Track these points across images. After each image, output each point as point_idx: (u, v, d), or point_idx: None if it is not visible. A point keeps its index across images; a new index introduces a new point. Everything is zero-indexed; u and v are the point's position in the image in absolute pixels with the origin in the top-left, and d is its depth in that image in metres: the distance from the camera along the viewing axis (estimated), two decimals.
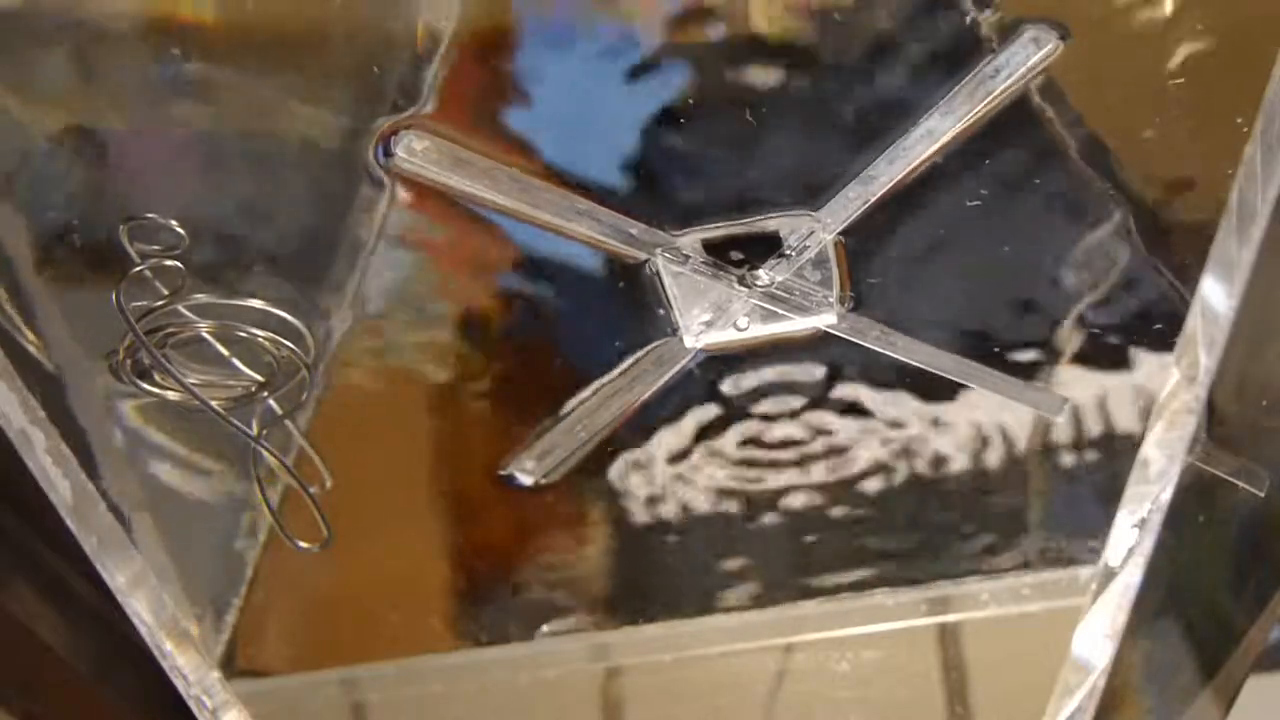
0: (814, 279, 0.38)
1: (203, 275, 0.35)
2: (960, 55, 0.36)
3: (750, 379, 0.38)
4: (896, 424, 0.39)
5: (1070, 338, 0.38)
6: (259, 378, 0.35)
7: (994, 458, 0.39)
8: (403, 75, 0.36)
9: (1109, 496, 0.37)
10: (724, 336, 0.38)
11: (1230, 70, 0.36)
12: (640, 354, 0.38)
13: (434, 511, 0.39)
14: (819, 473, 0.39)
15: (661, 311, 0.38)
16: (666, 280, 0.37)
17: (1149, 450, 0.37)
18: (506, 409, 0.38)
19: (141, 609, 0.36)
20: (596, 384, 0.38)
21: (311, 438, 0.37)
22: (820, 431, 0.39)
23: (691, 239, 0.37)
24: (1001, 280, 0.38)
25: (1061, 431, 0.39)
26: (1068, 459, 0.39)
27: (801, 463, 0.39)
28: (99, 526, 0.35)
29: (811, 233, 0.37)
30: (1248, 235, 0.35)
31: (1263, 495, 0.39)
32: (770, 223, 0.37)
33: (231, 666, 0.38)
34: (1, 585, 0.38)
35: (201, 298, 0.35)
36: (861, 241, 0.38)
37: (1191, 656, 0.40)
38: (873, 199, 0.37)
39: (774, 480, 0.39)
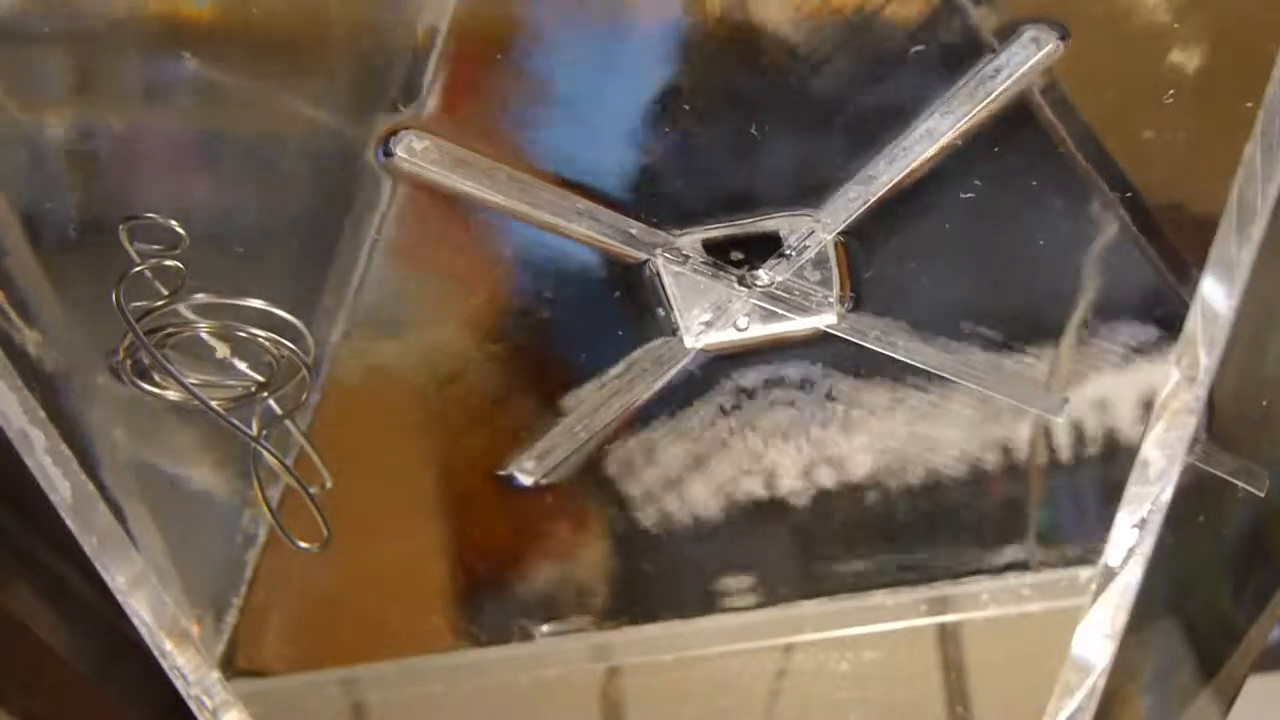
0: (814, 279, 0.38)
1: (203, 275, 0.35)
2: (960, 55, 0.36)
3: (750, 379, 0.38)
4: (896, 424, 0.39)
5: (1070, 337, 0.38)
6: (259, 378, 0.35)
7: (994, 457, 0.39)
8: (403, 75, 0.36)
9: (1109, 496, 0.37)
10: (724, 336, 0.38)
11: (1230, 70, 0.36)
12: (640, 354, 0.38)
13: (434, 511, 0.39)
14: (818, 472, 0.39)
15: (661, 311, 0.38)
16: (666, 280, 0.37)
17: (1149, 450, 0.37)
18: (506, 409, 0.38)
19: (141, 609, 0.36)
20: (596, 384, 0.38)
21: (311, 438, 0.37)
22: (820, 431, 0.39)
23: (691, 239, 0.37)
24: (1001, 280, 0.38)
25: (1062, 431, 0.39)
26: (1068, 459, 0.39)
27: (801, 462, 0.39)
28: (99, 526, 0.35)
29: (811, 233, 0.37)
30: (1248, 235, 0.35)
31: (1263, 495, 0.39)
32: (770, 223, 0.37)
33: (231, 666, 0.38)
34: (1, 585, 0.38)
35: (201, 298, 0.35)
36: (861, 241, 0.38)
37: (1191, 656, 0.40)
38: (873, 199, 0.37)
39: (774, 480, 0.39)
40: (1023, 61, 0.36)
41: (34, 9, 0.34)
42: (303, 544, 0.36)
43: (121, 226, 0.34)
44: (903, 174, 0.37)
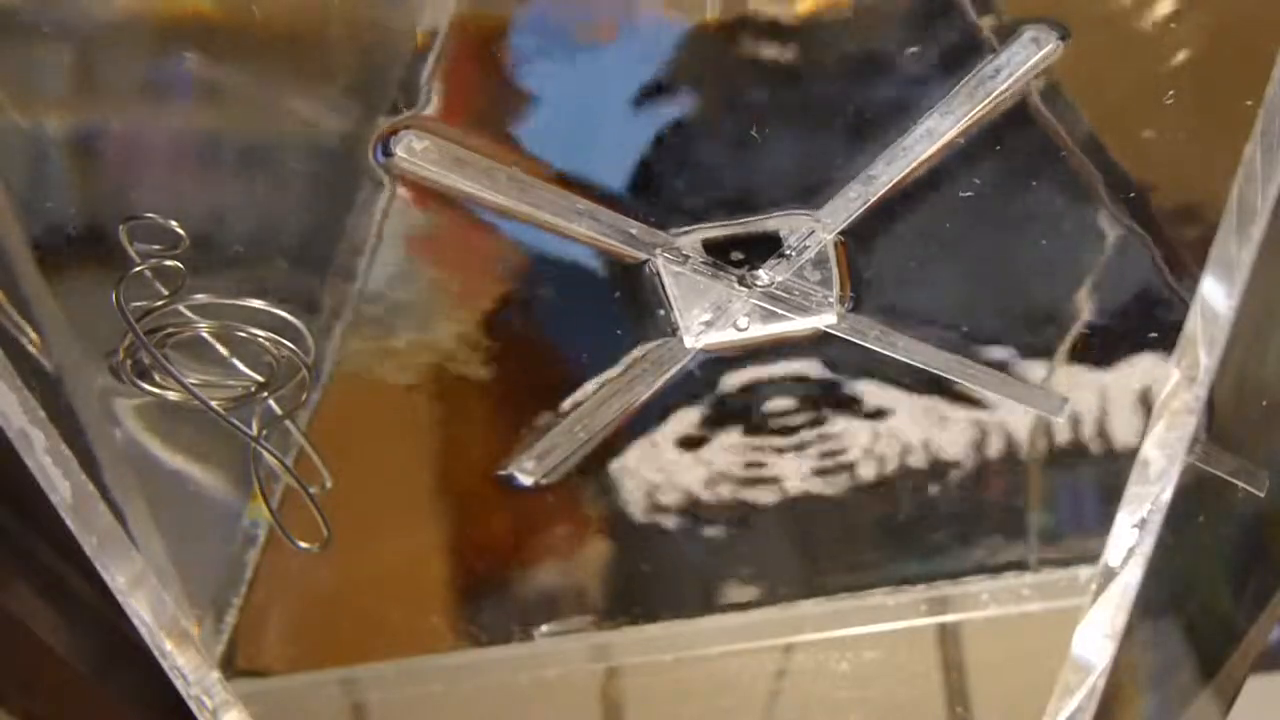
0: (814, 279, 0.38)
1: (203, 275, 0.35)
2: (960, 55, 0.36)
3: (750, 379, 0.38)
4: (896, 424, 0.39)
5: (1070, 337, 0.38)
6: (259, 378, 0.35)
7: (994, 458, 0.39)
8: (403, 75, 0.36)
9: (1109, 496, 0.37)
10: (724, 336, 0.38)
11: (1230, 70, 0.36)
12: (640, 354, 0.38)
13: (434, 511, 0.39)
14: (819, 472, 0.39)
15: (661, 311, 0.38)
16: (666, 280, 0.37)
17: (1149, 450, 0.37)
18: (506, 409, 0.38)
19: (141, 609, 0.36)
20: (596, 384, 0.38)
21: (311, 438, 0.37)
22: (820, 431, 0.39)
23: (691, 239, 0.37)
24: (1001, 280, 0.38)
25: (1061, 431, 0.39)
26: (1068, 459, 0.39)
27: (801, 462, 0.39)
28: (99, 526, 0.35)
29: (811, 233, 0.37)
30: (1248, 235, 0.35)
31: (1263, 495, 0.39)
32: (770, 223, 0.37)
33: (231, 666, 0.38)
34: (1, 585, 0.38)
35: (201, 298, 0.35)
36: (861, 241, 0.38)
37: (1191, 656, 0.40)
38: (873, 199, 0.37)
39: (773, 479, 0.39)
40: (1023, 61, 0.36)
41: (34, 8, 0.34)
42: (303, 544, 0.36)
43: (121, 226, 0.34)
44: (903, 174, 0.37)
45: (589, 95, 0.37)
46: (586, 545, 0.39)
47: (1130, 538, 0.37)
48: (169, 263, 0.34)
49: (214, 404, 0.34)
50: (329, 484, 0.37)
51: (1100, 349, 0.38)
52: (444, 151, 0.36)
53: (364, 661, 0.40)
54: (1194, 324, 0.36)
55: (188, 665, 0.36)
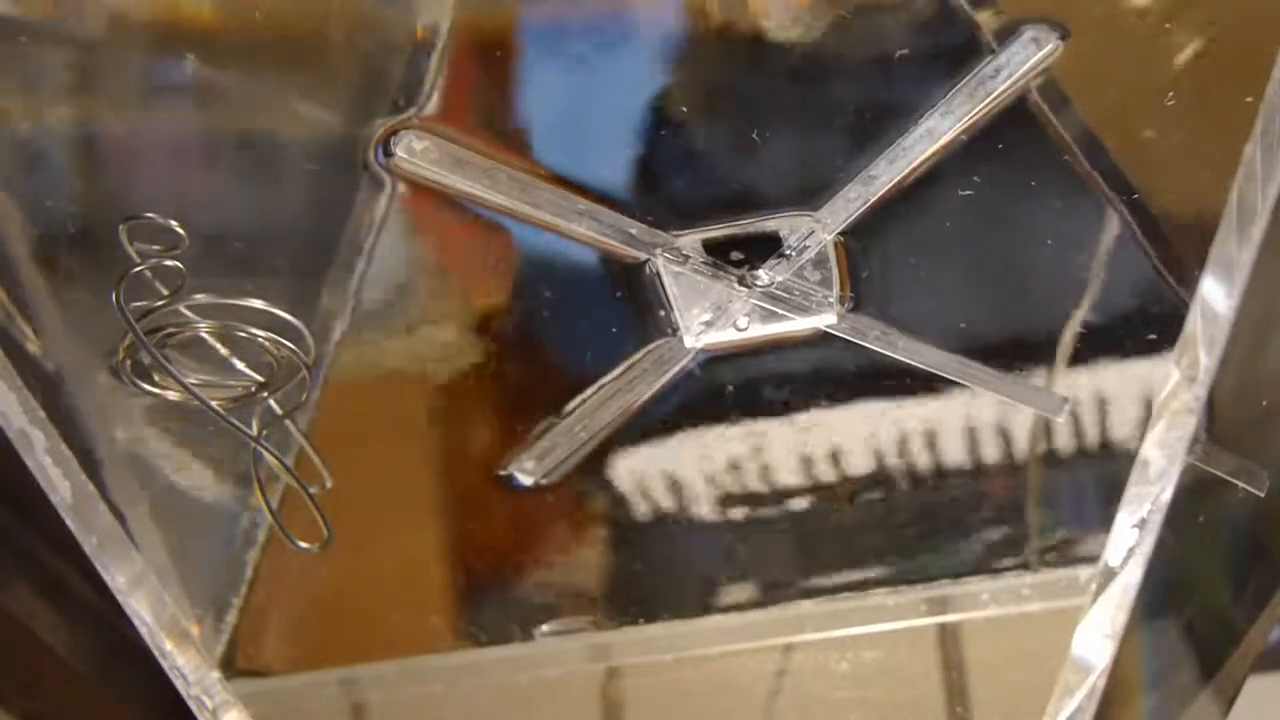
0: (814, 279, 0.38)
1: (203, 275, 0.35)
2: (960, 55, 0.36)
3: (750, 379, 0.38)
4: (896, 424, 0.39)
5: (1070, 337, 0.38)
6: (259, 378, 0.35)
7: (994, 458, 0.39)
8: (403, 75, 0.36)
9: (1109, 496, 0.37)
10: (724, 336, 0.38)
11: (1230, 70, 0.36)
12: (640, 354, 0.38)
13: (434, 511, 0.39)
14: (818, 472, 0.39)
15: (661, 311, 0.38)
16: (666, 280, 0.37)
17: (1149, 450, 0.37)
18: (506, 409, 0.38)
19: (141, 609, 0.36)
20: (596, 384, 0.38)
21: (311, 438, 0.37)
22: (820, 431, 0.39)
23: (691, 239, 0.37)
24: (1001, 280, 0.38)
25: (1061, 431, 0.39)
26: (1067, 459, 0.39)
27: (801, 463, 0.39)
28: (99, 526, 0.35)
29: (811, 233, 0.37)
30: (1248, 235, 0.35)
31: (1263, 495, 0.39)
32: (770, 223, 0.37)
33: (231, 666, 0.38)
34: (1, 585, 0.38)
35: (201, 298, 0.35)
36: (861, 241, 0.38)
37: (1191, 656, 0.40)
38: (873, 199, 0.37)
39: (774, 480, 0.39)
40: (1023, 61, 0.36)
41: (34, 9, 0.34)
42: (303, 544, 0.36)
43: (121, 226, 0.34)
44: (903, 174, 0.37)
45: (589, 95, 0.37)
46: (586, 545, 0.39)
47: (1130, 538, 0.37)
48: (169, 263, 0.34)
49: (214, 404, 0.34)
50: (329, 484, 0.37)
51: (1100, 349, 0.38)
52: (444, 151, 0.36)
53: (364, 661, 0.40)
54: (1194, 324, 0.36)
55: (188, 665, 0.36)
